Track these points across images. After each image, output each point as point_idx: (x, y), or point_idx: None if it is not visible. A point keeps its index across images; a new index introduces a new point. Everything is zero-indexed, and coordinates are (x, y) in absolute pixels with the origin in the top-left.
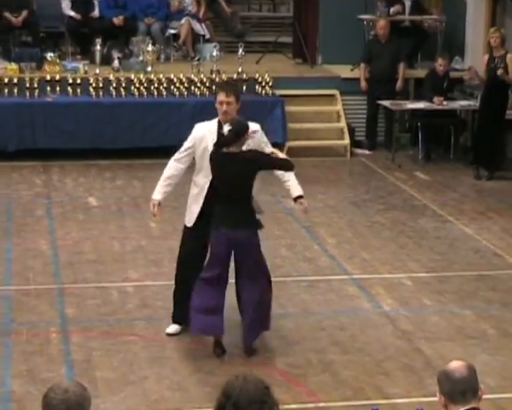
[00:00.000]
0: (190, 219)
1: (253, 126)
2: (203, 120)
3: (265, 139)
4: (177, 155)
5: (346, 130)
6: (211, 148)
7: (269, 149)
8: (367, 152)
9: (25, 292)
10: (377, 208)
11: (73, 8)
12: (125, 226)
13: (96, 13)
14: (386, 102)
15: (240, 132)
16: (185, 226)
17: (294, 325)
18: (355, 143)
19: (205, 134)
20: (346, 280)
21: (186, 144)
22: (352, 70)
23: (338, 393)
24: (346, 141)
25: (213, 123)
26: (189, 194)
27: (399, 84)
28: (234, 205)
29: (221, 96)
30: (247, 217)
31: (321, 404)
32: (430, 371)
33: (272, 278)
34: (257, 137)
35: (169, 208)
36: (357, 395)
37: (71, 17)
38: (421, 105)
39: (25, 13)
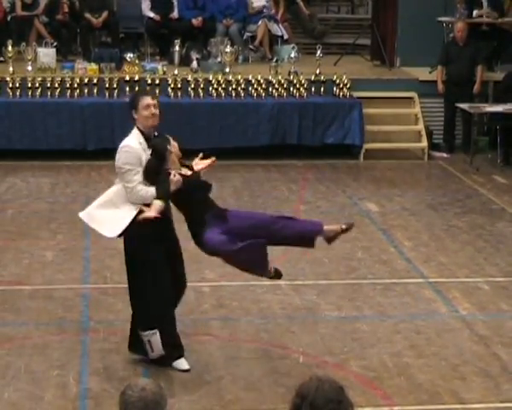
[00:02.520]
0: None
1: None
2: (280, 121)
3: None
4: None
5: (423, 132)
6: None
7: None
8: (445, 155)
9: (102, 291)
10: (454, 212)
11: (153, 9)
12: None
13: (175, 14)
14: (464, 105)
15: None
16: None
17: (370, 327)
18: (433, 146)
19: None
20: (422, 283)
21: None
22: (430, 72)
23: (413, 397)
24: (424, 144)
25: (136, 136)
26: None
27: (477, 87)
28: None
29: (147, 100)
30: None
31: (396, 408)
32: (507, 376)
33: (348, 281)
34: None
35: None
36: (433, 399)
37: (150, 18)
38: (500, 108)
39: (105, 14)
